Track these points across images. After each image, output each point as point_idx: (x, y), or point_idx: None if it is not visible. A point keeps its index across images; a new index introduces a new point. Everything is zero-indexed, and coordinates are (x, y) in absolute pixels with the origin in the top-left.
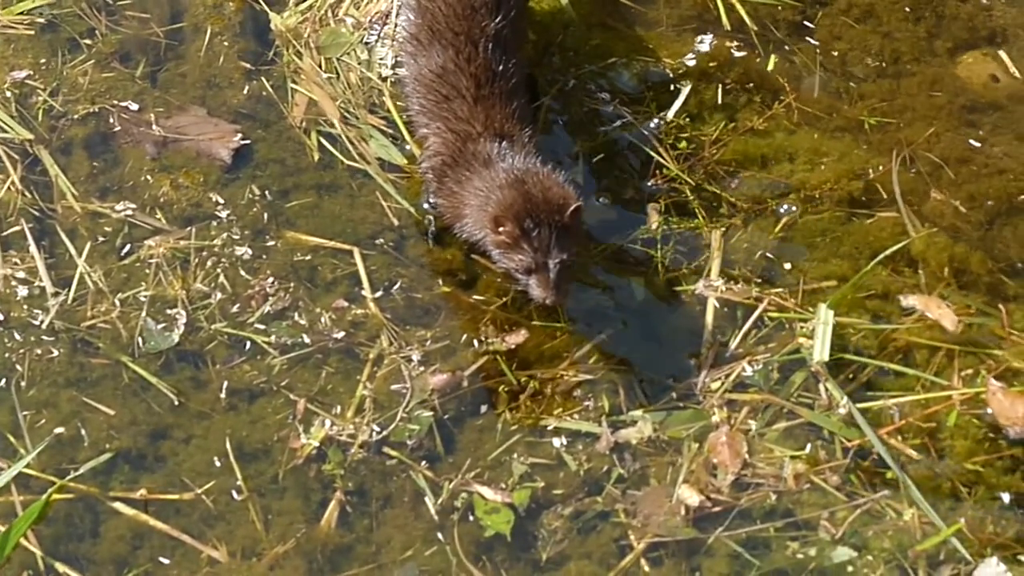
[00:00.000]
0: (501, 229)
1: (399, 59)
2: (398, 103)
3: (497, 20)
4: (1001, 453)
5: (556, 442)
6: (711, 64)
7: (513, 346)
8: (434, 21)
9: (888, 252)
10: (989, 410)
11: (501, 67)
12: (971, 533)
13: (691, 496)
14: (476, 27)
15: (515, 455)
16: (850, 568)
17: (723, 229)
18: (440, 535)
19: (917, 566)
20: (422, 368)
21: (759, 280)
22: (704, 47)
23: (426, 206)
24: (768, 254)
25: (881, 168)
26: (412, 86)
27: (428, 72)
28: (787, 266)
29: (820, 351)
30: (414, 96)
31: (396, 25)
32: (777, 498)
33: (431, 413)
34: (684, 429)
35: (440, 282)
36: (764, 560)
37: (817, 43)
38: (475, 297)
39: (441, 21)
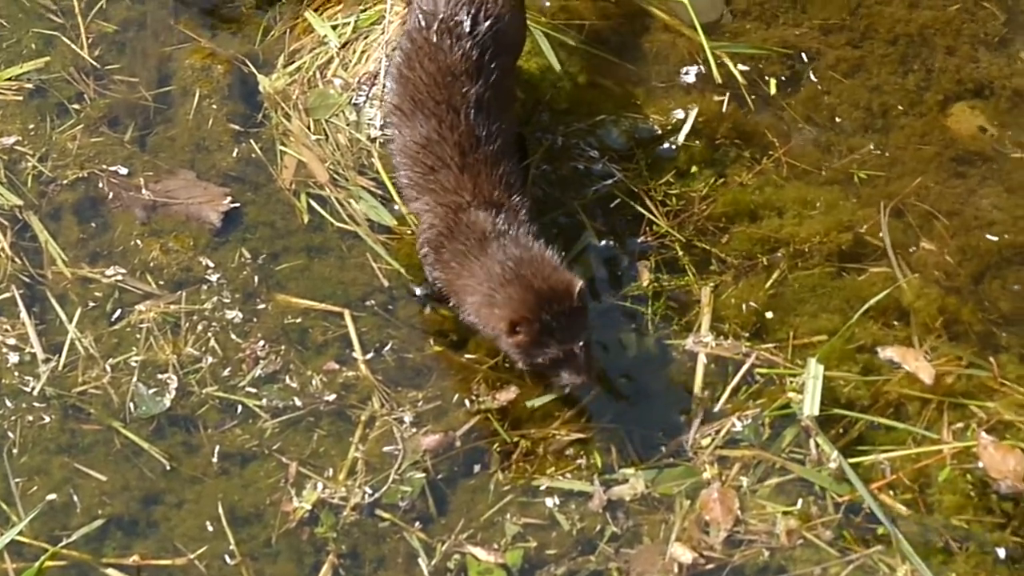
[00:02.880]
0: (518, 330)
1: (386, 129)
2: (387, 164)
3: (478, 86)
4: (991, 508)
5: (549, 502)
6: (700, 119)
7: (504, 403)
8: (416, 91)
9: (875, 300)
10: (980, 464)
11: (486, 132)
12: None
13: (684, 554)
14: (457, 94)
15: (508, 515)
16: None
17: (713, 285)
18: None
19: None
20: (414, 429)
21: (749, 336)
22: (690, 78)
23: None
24: (758, 309)
25: (871, 221)
26: (399, 158)
27: (413, 143)
28: (777, 322)
29: (810, 405)
30: (402, 168)
31: (384, 87)
32: (770, 555)
33: (423, 474)
34: (676, 486)
35: (431, 342)
36: None
37: (806, 98)
38: (466, 356)
39: (423, 90)
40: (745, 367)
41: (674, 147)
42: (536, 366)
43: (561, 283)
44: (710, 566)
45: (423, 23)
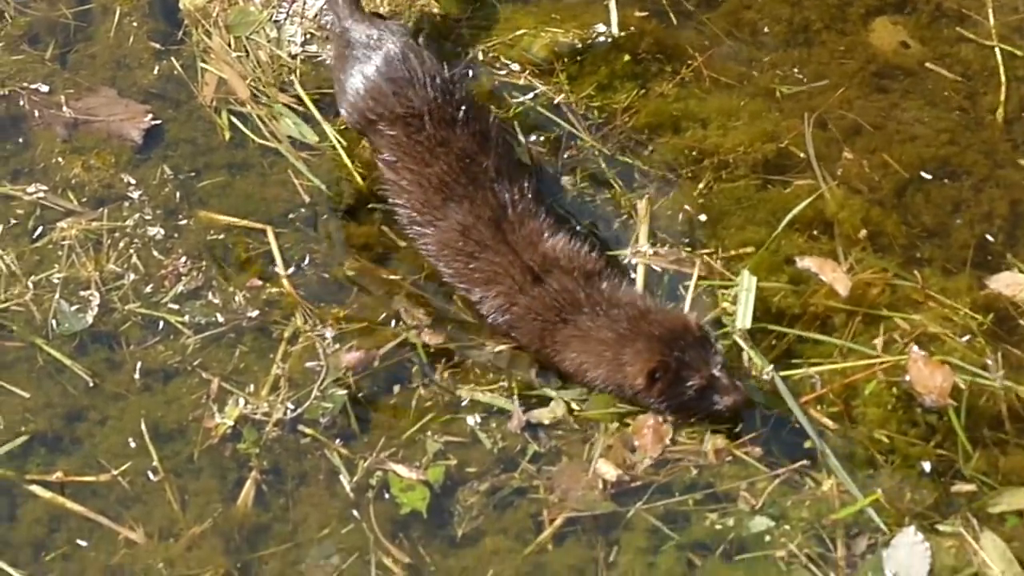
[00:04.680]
0: (657, 377)
1: (414, 232)
2: (307, 80)
3: (491, 156)
4: (916, 421)
5: (470, 420)
6: (621, 35)
7: (430, 344)
8: (440, 184)
9: (799, 209)
10: (907, 378)
11: (513, 196)
12: (889, 503)
13: (608, 471)
14: (479, 172)
15: (429, 433)
16: (767, 538)
17: (647, 196)
18: (356, 513)
19: (835, 535)
20: (337, 346)
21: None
22: None
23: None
24: (688, 220)
25: (794, 132)
26: (439, 254)
27: (452, 233)
28: (705, 234)
29: (743, 318)
30: (445, 262)
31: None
32: (698, 472)
33: (345, 391)
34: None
35: (354, 257)
36: (682, 533)
37: (727, 12)
38: (390, 273)
39: (448, 180)
40: (694, 279)
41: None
42: (686, 406)
43: (677, 322)
44: (636, 483)
45: (412, 125)
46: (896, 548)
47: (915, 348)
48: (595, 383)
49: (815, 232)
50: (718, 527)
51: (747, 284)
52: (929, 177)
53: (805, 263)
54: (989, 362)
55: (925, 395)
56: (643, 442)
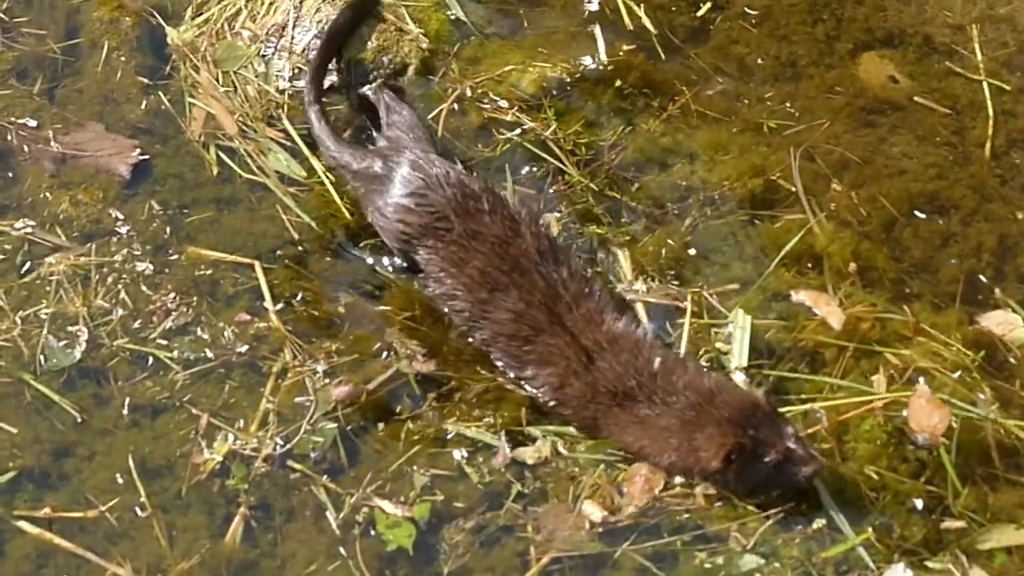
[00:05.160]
0: (734, 458)
1: (472, 328)
2: (295, 115)
3: (527, 238)
4: (907, 457)
5: (457, 454)
6: (609, 67)
7: (420, 372)
8: (484, 276)
9: (792, 244)
10: (904, 413)
11: (562, 275)
12: (879, 540)
13: (594, 512)
14: (520, 256)
15: (416, 467)
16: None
17: (627, 235)
18: (343, 550)
19: (825, 572)
20: (326, 380)
21: (672, 282)
22: (593, 6)
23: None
24: (674, 258)
25: (782, 166)
26: (497, 342)
27: (507, 322)
28: (691, 272)
29: (739, 356)
30: (502, 350)
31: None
32: (688, 515)
33: (335, 425)
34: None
35: (344, 293)
36: (671, 572)
37: (715, 47)
38: (381, 307)
39: (491, 271)
40: (687, 318)
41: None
42: (765, 483)
43: (745, 401)
44: (623, 524)
45: (441, 228)
46: None
47: (922, 383)
48: (660, 466)
49: (804, 267)
50: (707, 566)
51: (741, 323)
52: (920, 215)
53: (799, 297)
54: (981, 397)
55: (918, 433)
56: (632, 489)
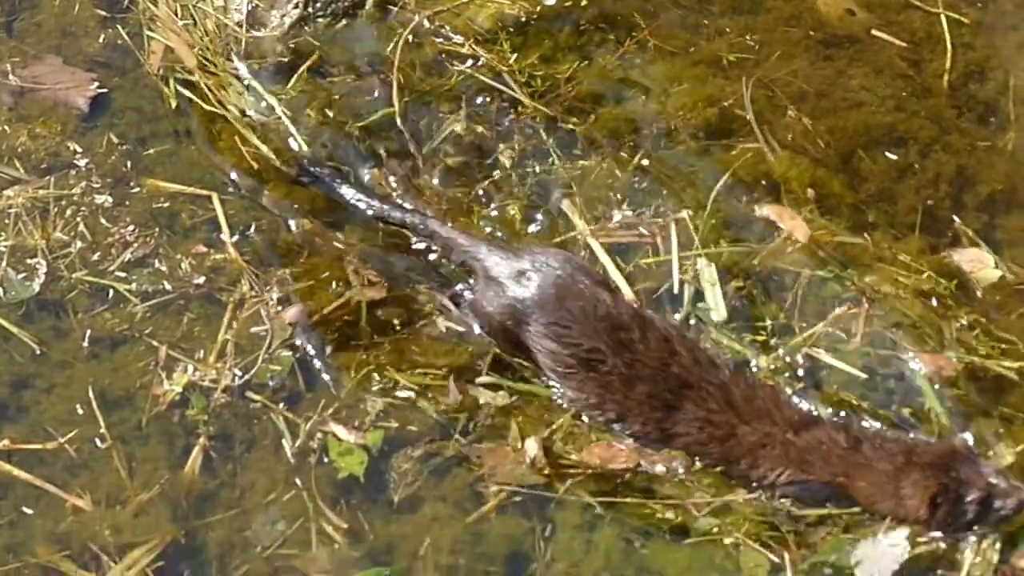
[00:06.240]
0: (939, 502)
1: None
2: (253, 49)
3: (682, 347)
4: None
5: (408, 393)
6: (566, 4)
7: (372, 298)
8: (651, 400)
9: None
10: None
11: (726, 376)
12: None
13: (535, 448)
14: (684, 371)
15: (371, 394)
16: (715, 529)
17: (580, 167)
18: (298, 480)
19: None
20: (281, 309)
21: (621, 215)
22: None
23: None
24: (626, 189)
25: (738, 94)
26: (691, 450)
27: (692, 432)
28: (643, 202)
29: (718, 311)
30: (699, 453)
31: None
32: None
33: (290, 354)
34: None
35: (300, 223)
36: (620, 512)
37: None
38: (339, 237)
39: (660, 391)
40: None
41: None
42: (972, 522)
43: (942, 448)
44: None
45: (599, 356)
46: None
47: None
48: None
49: (761, 194)
50: (659, 516)
51: (710, 276)
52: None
53: (764, 211)
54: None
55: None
56: (593, 452)
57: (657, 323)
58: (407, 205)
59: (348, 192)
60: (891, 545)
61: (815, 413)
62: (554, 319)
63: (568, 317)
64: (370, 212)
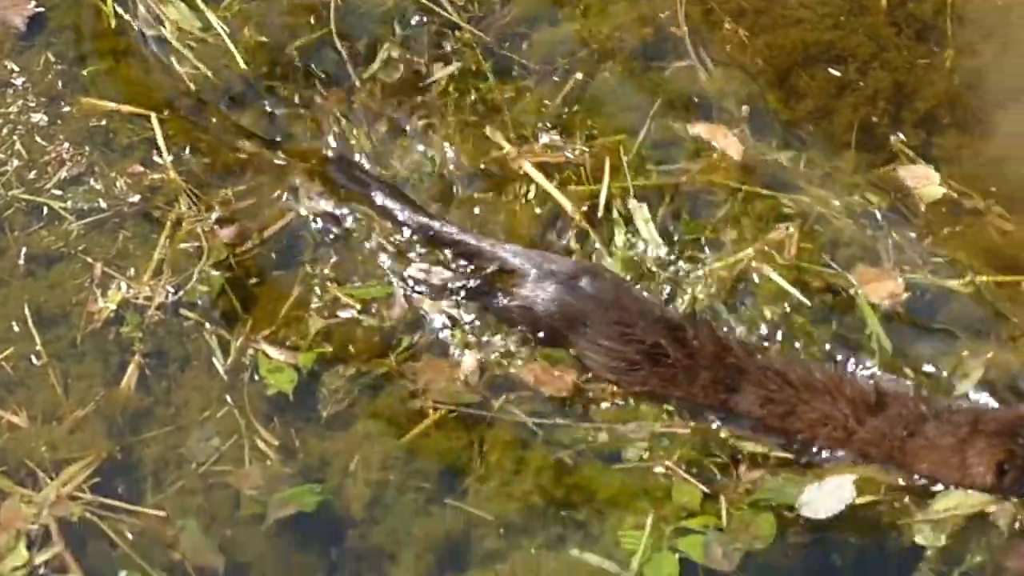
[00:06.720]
0: (1006, 468)
1: None
2: None
3: (740, 348)
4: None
5: (350, 311)
6: None
7: (321, 212)
8: (718, 381)
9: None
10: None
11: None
12: None
13: (471, 363)
14: (739, 363)
15: (309, 314)
16: (645, 455)
17: (515, 90)
18: (231, 397)
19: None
20: (219, 227)
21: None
22: None
23: None
24: (559, 112)
25: (672, 11)
26: (756, 430)
27: (755, 411)
28: (578, 123)
29: (654, 246)
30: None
31: None
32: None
33: (219, 273)
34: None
35: (239, 144)
36: (553, 434)
37: None
38: (280, 155)
39: (720, 377)
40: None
41: None
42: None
43: (1009, 415)
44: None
45: (661, 351)
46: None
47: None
48: (946, 485)
49: (694, 113)
50: (590, 439)
51: (643, 215)
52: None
53: (696, 130)
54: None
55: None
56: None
57: (707, 325)
58: (446, 222)
59: (380, 198)
60: (837, 487)
61: (874, 386)
62: (616, 318)
63: (629, 317)
64: (401, 218)
